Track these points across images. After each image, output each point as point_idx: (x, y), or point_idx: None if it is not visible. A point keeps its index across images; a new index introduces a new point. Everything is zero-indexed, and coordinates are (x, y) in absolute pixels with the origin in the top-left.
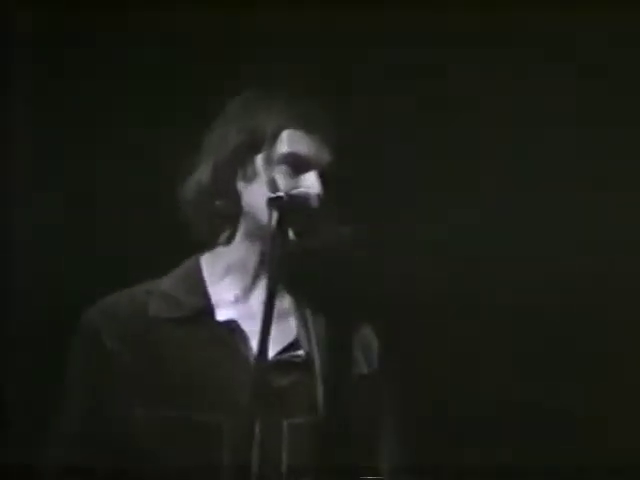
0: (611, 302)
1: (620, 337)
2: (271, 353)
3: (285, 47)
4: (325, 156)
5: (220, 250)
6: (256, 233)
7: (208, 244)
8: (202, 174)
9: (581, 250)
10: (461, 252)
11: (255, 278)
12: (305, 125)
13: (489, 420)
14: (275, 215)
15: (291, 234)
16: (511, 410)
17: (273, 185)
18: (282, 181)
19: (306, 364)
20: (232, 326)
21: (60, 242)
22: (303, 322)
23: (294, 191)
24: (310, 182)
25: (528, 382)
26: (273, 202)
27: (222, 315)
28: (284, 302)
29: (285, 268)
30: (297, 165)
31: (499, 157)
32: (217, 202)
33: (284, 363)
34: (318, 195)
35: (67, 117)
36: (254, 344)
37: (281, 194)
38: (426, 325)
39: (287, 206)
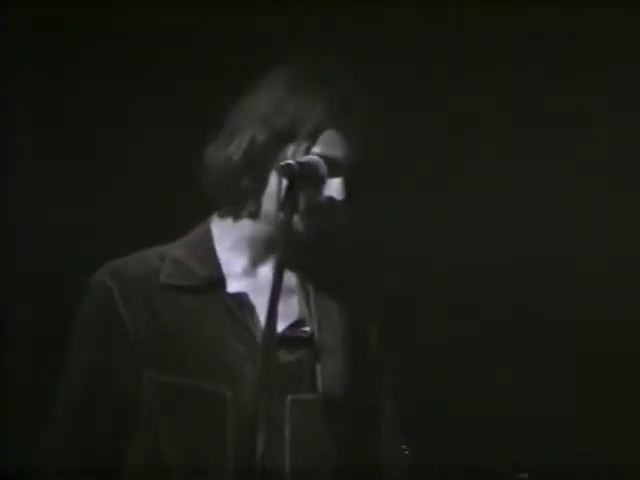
0: (611, 303)
1: (620, 337)
2: (278, 328)
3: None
4: (354, 160)
5: (231, 221)
6: (269, 207)
7: (224, 214)
8: (235, 151)
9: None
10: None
11: (265, 251)
12: (343, 125)
13: (491, 412)
14: (285, 182)
15: (301, 202)
16: (512, 404)
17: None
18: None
19: (310, 342)
20: (242, 299)
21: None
22: (306, 300)
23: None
24: (334, 188)
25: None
26: (282, 169)
27: (232, 287)
28: (289, 278)
29: (293, 242)
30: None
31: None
32: (244, 180)
33: (290, 339)
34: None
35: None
36: (262, 318)
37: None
38: (429, 309)
39: (297, 173)
